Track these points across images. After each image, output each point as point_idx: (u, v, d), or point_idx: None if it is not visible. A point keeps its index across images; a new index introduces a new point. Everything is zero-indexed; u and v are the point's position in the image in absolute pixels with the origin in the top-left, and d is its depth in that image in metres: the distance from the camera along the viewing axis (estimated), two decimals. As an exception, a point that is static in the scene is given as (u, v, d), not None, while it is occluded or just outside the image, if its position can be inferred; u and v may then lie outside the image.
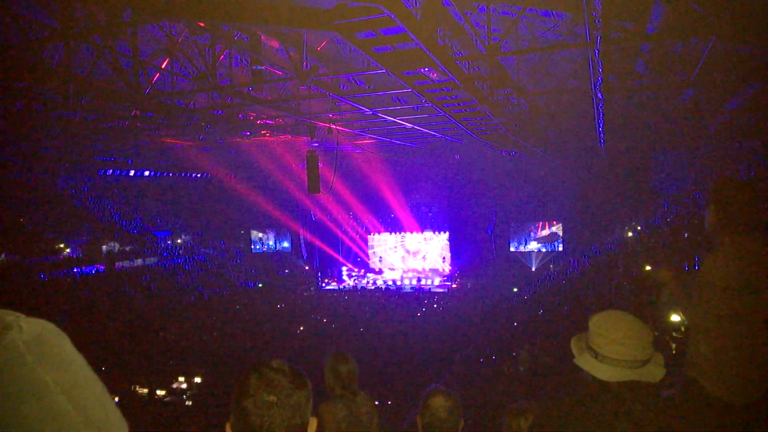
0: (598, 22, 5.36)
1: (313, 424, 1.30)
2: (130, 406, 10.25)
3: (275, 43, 8.11)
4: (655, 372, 1.61)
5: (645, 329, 1.66)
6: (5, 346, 0.63)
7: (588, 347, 1.69)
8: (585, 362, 1.68)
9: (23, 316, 0.67)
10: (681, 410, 1.61)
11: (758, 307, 2.28)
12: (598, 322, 1.71)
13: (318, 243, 30.49)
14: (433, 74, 7.89)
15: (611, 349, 1.62)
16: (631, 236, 19.31)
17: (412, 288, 27.71)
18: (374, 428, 3.22)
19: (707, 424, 2.33)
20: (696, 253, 10.28)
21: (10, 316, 0.65)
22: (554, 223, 26.49)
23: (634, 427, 1.53)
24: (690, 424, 1.60)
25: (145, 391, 11.70)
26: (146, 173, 21.95)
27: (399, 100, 11.24)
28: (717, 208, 2.44)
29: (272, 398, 1.21)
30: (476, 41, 8.04)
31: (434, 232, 29.29)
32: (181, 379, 12.22)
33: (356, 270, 30.13)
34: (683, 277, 2.66)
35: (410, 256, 29.77)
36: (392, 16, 4.39)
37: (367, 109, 10.80)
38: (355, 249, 30.62)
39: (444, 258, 29.02)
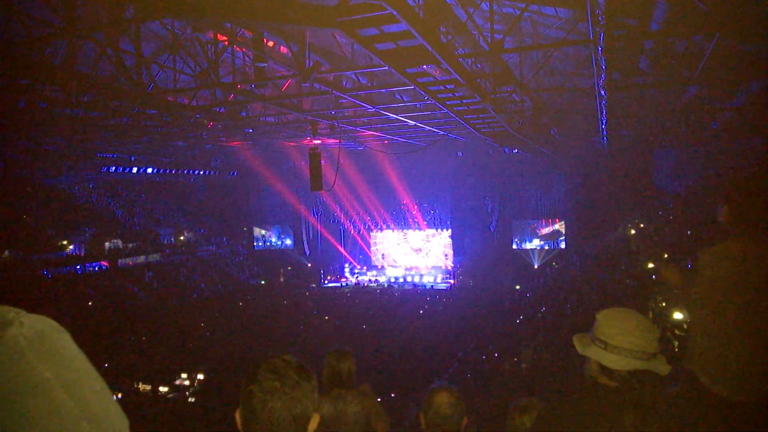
0: (602, 18, 5.33)
1: (315, 419, 1.34)
2: (132, 403, 10.29)
3: (277, 40, 8.11)
4: (661, 366, 1.62)
5: (652, 324, 1.68)
6: (6, 342, 0.62)
7: (595, 338, 1.70)
8: (593, 352, 1.69)
9: (24, 312, 0.66)
10: (685, 405, 1.61)
11: (755, 303, 2.27)
12: (607, 315, 1.73)
13: (321, 240, 30.53)
14: (435, 71, 7.88)
15: (622, 339, 1.63)
16: (633, 234, 19.27)
17: (414, 285, 27.73)
18: (379, 423, 3.22)
19: (709, 420, 2.32)
20: (699, 251, 10.23)
21: (11, 312, 0.65)
22: (557, 220, 26.44)
23: (640, 420, 1.53)
24: (693, 419, 1.60)
25: (148, 387, 11.73)
26: (149, 170, 21.94)
27: (401, 97, 11.23)
28: (731, 206, 2.43)
29: (276, 384, 1.29)
30: (479, 38, 8.04)
31: (437, 230, 29.29)
32: (184, 375, 12.25)
33: (359, 267, 30.15)
34: (686, 274, 2.65)
35: (413, 253, 29.79)
36: (395, 13, 4.37)
37: (369, 106, 10.78)
38: (358, 246, 30.62)
39: (446, 255, 29.02)
